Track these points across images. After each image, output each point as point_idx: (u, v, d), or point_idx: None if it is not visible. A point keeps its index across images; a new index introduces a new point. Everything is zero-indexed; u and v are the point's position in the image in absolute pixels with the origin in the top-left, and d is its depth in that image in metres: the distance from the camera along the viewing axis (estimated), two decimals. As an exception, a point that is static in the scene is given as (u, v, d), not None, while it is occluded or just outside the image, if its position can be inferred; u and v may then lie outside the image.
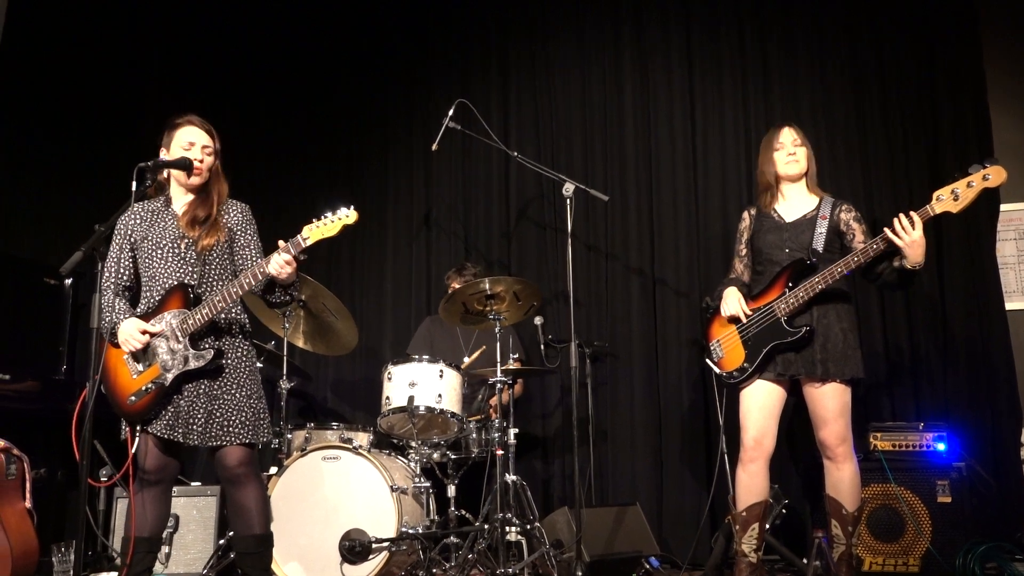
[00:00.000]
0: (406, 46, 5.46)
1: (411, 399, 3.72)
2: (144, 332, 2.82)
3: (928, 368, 4.17)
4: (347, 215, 2.84)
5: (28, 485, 3.44)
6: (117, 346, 2.89)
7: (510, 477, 3.70)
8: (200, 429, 2.79)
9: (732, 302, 3.30)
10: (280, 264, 2.79)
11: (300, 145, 5.58)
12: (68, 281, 4.33)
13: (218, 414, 2.83)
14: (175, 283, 2.87)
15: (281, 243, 2.83)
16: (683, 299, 4.56)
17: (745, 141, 4.62)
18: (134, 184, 2.74)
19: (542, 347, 4.30)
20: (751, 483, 3.20)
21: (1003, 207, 4.22)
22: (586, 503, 4.13)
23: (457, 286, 4.38)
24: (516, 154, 4.41)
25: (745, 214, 3.46)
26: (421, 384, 3.76)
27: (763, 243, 3.32)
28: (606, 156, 4.91)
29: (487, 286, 3.70)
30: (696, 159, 4.70)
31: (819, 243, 3.19)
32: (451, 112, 4.30)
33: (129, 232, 2.94)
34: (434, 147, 4.36)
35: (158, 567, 4.01)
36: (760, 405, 3.21)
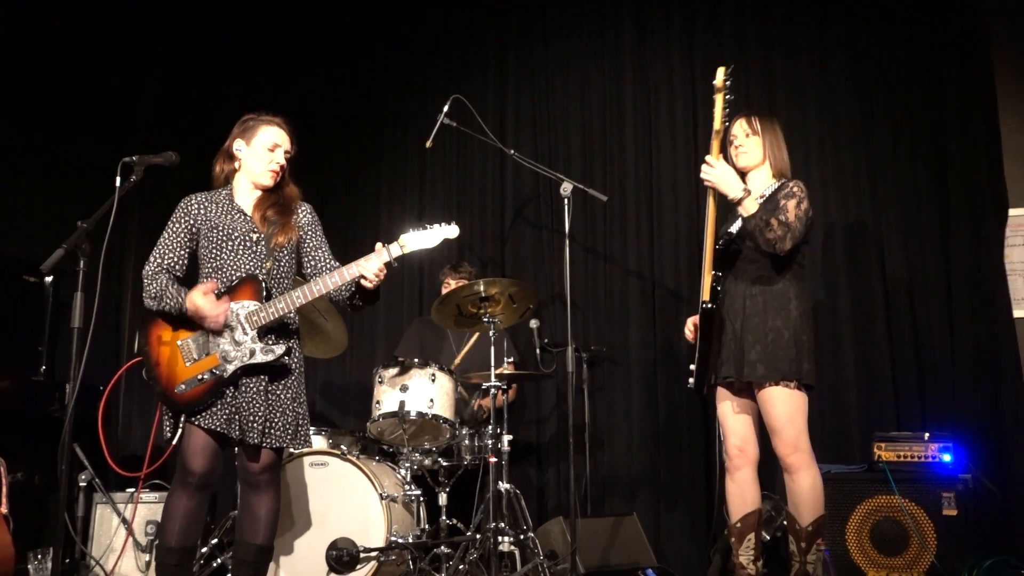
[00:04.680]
0: (401, 40, 5.46)
1: (402, 404, 3.72)
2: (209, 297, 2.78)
3: (934, 377, 4.15)
4: (449, 230, 2.98)
5: (4, 489, 3.42)
6: (175, 327, 2.86)
7: (503, 485, 3.70)
8: (260, 427, 2.81)
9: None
10: (377, 269, 2.86)
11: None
12: (49, 279, 4.32)
13: (270, 414, 2.84)
14: (245, 274, 2.88)
15: (379, 246, 2.90)
16: (683, 303, 4.54)
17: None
18: (118, 179, 2.74)
19: (538, 351, 4.29)
20: (741, 492, 3.19)
21: (1012, 212, 4.22)
22: (582, 513, 4.14)
23: (452, 282, 4.39)
24: (512, 152, 4.40)
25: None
26: (412, 388, 3.75)
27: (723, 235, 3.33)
28: (605, 155, 4.91)
29: (481, 288, 3.70)
30: (698, 160, 4.66)
31: (736, 226, 3.19)
32: (446, 108, 4.30)
33: (193, 219, 2.94)
34: (428, 144, 4.35)
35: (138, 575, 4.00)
36: (734, 411, 3.20)
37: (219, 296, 2.86)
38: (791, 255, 3.11)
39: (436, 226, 2.99)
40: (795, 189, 3.10)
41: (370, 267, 2.87)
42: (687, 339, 3.35)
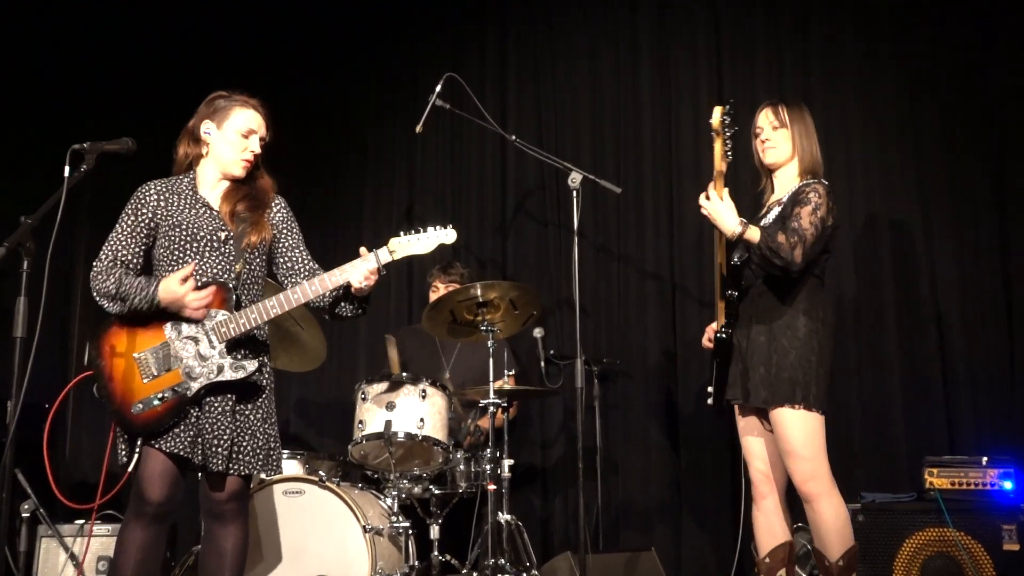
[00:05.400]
0: (388, 13, 5.44)
1: (388, 424, 3.69)
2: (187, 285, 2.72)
3: (992, 393, 4.12)
4: (446, 234, 2.93)
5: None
6: (132, 337, 2.79)
7: (503, 516, 3.70)
8: (225, 452, 2.74)
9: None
10: (365, 275, 2.81)
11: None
12: (-13, 281, 4.29)
13: (237, 437, 2.79)
14: (212, 280, 2.83)
15: (363, 251, 2.85)
16: (706, 309, 4.50)
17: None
18: (67, 169, 2.70)
19: (542, 364, 4.29)
20: (768, 523, 3.17)
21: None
22: (592, 547, 4.12)
23: (441, 286, 4.37)
24: (514, 138, 4.39)
25: None
26: (400, 407, 3.73)
27: None
28: (619, 142, 4.89)
29: (479, 292, 3.68)
30: (724, 148, 4.68)
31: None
32: (438, 88, 4.28)
33: (152, 212, 2.86)
34: (418, 128, 4.34)
35: (89, 618, 3.96)
36: (755, 434, 3.19)
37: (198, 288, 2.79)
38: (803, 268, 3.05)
39: (431, 229, 2.91)
40: (811, 195, 3.05)
41: (357, 273, 2.81)
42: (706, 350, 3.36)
